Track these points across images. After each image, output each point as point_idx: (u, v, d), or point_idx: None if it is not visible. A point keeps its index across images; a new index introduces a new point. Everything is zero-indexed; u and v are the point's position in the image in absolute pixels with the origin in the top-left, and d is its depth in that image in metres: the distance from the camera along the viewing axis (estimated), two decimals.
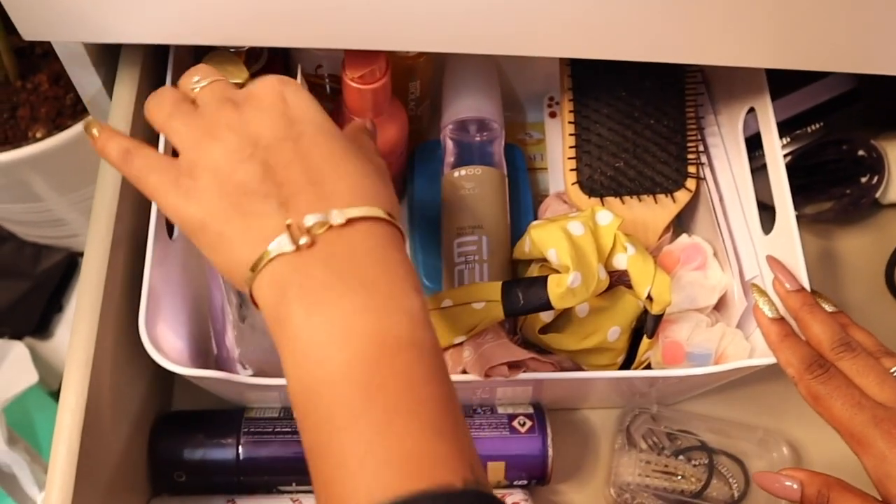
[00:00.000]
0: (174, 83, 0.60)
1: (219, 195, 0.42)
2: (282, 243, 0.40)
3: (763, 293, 0.58)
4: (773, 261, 0.61)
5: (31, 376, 0.91)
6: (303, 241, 0.40)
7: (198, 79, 0.47)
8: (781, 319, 0.57)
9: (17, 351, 0.93)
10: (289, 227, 0.40)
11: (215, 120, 0.44)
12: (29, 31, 0.53)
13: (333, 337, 0.39)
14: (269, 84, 0.45)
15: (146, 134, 0.60)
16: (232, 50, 0.63)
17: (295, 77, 0.54)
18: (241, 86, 0.59)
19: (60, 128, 0.87)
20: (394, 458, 0.36)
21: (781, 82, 0.68)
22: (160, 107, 0.47)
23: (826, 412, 0.51)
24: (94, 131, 0.48)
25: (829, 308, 0.57)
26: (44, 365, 0.95)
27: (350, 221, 0.41)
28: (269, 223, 0.41)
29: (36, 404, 0.93)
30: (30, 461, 0.89)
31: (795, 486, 0.51)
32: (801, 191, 0.79)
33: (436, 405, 0.38)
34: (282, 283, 0.40)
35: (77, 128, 0.88)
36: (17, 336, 0.97)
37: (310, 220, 0.41)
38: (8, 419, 0.90)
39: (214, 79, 0.47)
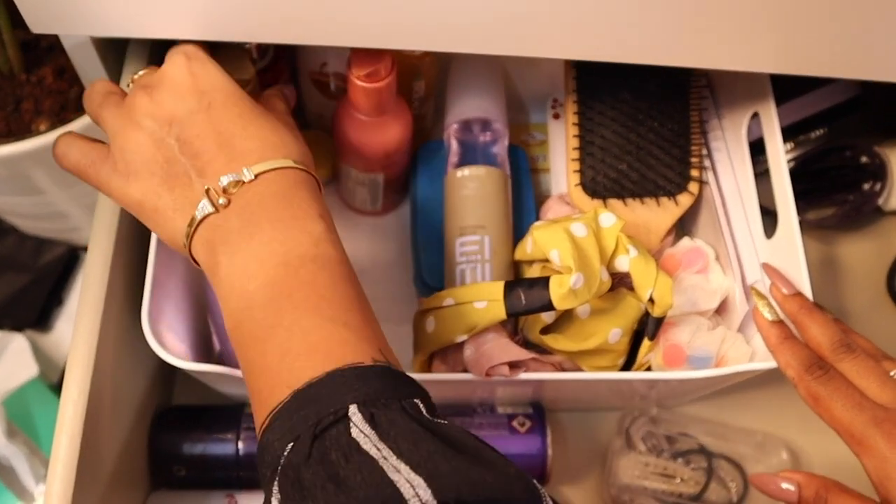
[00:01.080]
0: None
1: (149, 174, 0.47)
2: (204, 207, 0.46)
3: (762, 296, 0.58)
4: (769, 267, 0.61)
5: (31, 369, 0.91)
6: (221, 201, 0.46)
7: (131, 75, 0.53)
8: (781, 322, 0.57)
9: (18, 343, 0.93)
10: (207, 191, 0.46)
11: (135, 107, 0.49)
12: (37, 24, 0.53)
13: (248, 270, 0.44)
14: (177, 62, 0.49)
15: None
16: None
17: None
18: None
19: (64, 121, 0.87)
20: (303, 350, 0.41)
21: (785, 88, 0.68)
22: (91, 98, 0.52)
23: (826, 413, 0.51)
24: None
25: (785, 291, 0.58)
26: (43, 358, 0.95)
27: (260, 175, 0.46)
28: (191, 192, 0.46)
29: (35, 397, 0.92)
30: (28, 454, 0.89)
31: (793, 489, 0.51)
32: (804, 196, 0.79)
33: (340, 302, 0.43)
34: (210, 240, 0.46)
35: (81, 122, 0.87)
36: (17, 329, 0.97)
37: (224, 180, 0.46)
38: (7, 412, 0.89)
39: (143, 72, 0.53)
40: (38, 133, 0.87)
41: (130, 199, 0.48)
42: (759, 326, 0.58)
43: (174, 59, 0.50)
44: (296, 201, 0.46)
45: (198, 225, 0.46)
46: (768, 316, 0.57)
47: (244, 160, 0.47)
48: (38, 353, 0.95)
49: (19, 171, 0.90)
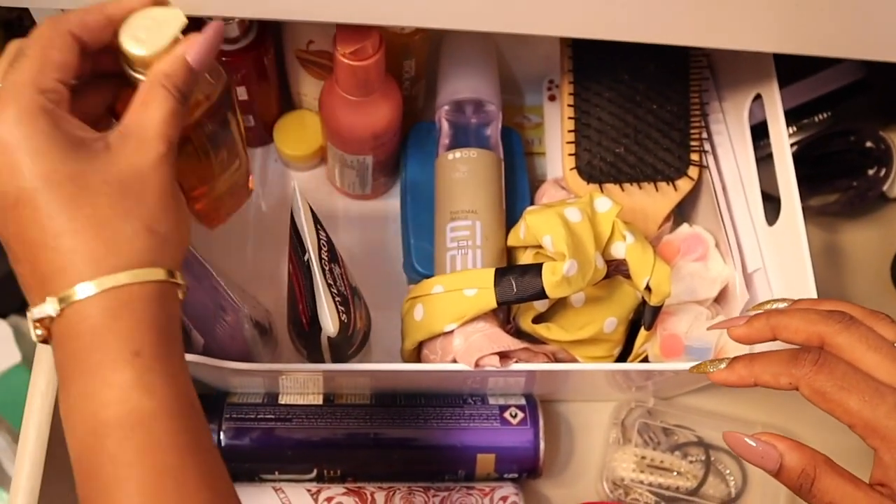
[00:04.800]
0: None
1: None
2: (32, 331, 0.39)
3: (699, 366, 0.49)
4: (713, 327, 0.54)
5: (13, 356, 0.90)
6: (38, 332, 0.39)
7: None
8: (733, 359, 0.47)
9: (0, 330, 0.91)
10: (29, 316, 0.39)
11: None
12: None
13: (66, 428, 0.38)
14: None
15: None
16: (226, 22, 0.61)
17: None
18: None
19: None
20: None
21: (789, 70, 0.66)
22: None
23: (838, 409, 0.43)
24: None
25: (782, 305, 0.49)
26: (28, 344, 0.94)
27: (72, 305, 0.38)
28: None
29: (18, 384, 0.91)
30: (11, 441, 0.88)
31: (774, 455, 0.42)
32: (806, 182, 0.77)
33: (147, 483, 0.37)
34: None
35: None
36: (2, 314, 0.96)
37: (35, 313, 0.38)
38: None
39: None
40: None
41: None
42: (727, 383, 0.47)
43: None
44: (108, 338, 0.38)
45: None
46: (721, 366, 0.47)
47: (55, 281, 0.38)
48: (22, 340, 0.93)
49: None
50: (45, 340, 0.39)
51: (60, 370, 0.39)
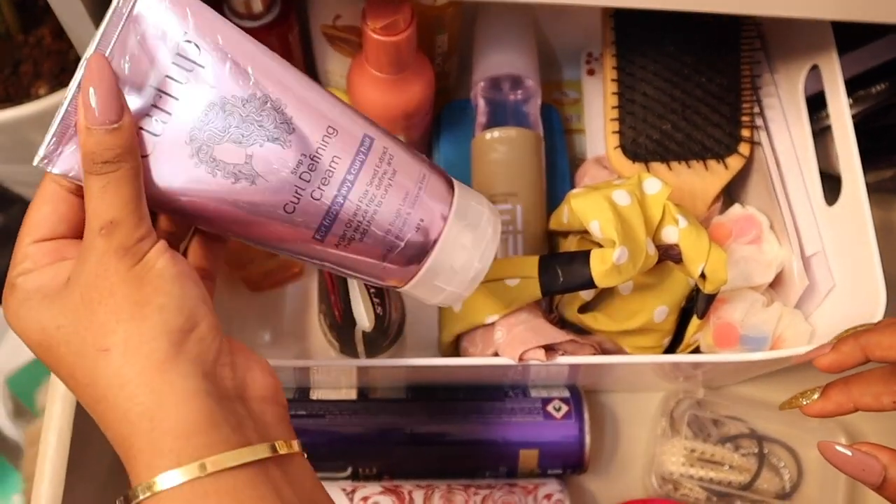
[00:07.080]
0: None
1: None
2: None
3: (790, 401, 0.48)
4: (805, 356, 0.51)
5: None
6: None
7: None
8: (826, 388, 0.46)
9: None
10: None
11: None
12: None
13: None
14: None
15: None
16: None
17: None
18: None
19: (64, 84, 0.83)
20: None
21: (841, 38, 0.62)
22: None
23: None
24: None
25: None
26: None
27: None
28: None
29: (42, 375, 0.90)
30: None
31: (877, 467, 0.40)
32: (861, 157, 0.73)
33: None
34: None
35: None
36: None
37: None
38: (14, 391, 0.87)
39: None
40: (38, 97, 0.83)
41: None
42: (821, 413, 0.45)
43: None
44: None
45: None
46: (815, 396, 0.46)
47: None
48: None
49: (20, 138, 0.86)
50: None
51: None
